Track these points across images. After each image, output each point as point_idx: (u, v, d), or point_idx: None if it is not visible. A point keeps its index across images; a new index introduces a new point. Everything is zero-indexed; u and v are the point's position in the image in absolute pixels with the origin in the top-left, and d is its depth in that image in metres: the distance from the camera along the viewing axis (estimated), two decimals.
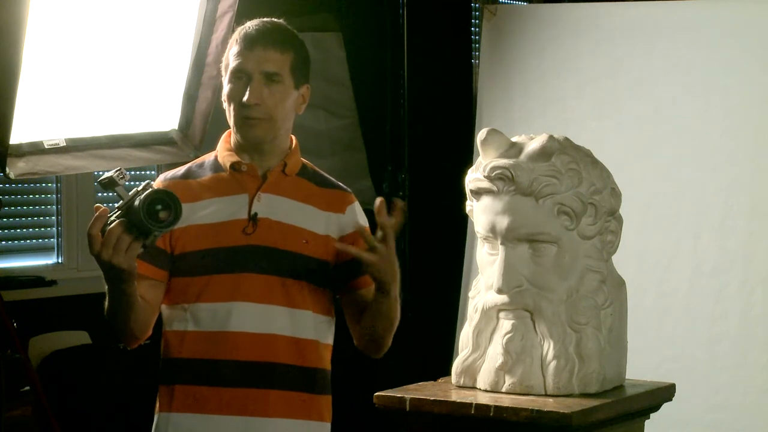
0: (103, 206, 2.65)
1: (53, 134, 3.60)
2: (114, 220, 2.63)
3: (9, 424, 3.57)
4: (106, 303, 2.79)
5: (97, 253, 2.64)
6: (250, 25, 2.92)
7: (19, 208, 4.70)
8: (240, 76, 2.88)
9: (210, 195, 2.90)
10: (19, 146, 3.48)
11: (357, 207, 3.01)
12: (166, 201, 2.64)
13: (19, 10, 3.23)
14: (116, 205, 2.67)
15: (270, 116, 2.88)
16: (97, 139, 3.73)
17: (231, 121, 2.93)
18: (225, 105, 2.93)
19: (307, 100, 2.98)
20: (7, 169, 3.43)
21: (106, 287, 2.75)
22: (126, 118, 3.81)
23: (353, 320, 2.99)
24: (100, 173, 4.80)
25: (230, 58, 2.90)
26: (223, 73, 2.94)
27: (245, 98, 2.86)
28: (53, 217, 4.79)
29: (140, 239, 2.64)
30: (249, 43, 2.88)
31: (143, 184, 2.68)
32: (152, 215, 2.62)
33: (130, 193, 2.66)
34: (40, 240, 4.76)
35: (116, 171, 2.69)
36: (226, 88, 2.91)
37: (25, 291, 4.48)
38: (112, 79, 3.75)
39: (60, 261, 4.78)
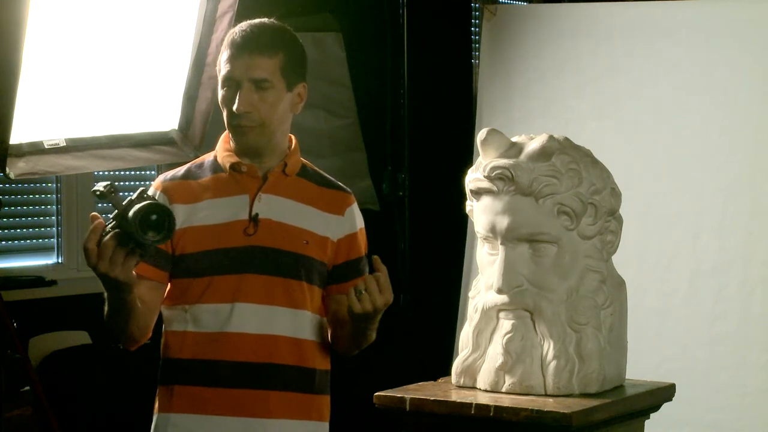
0: (100, 217, 2.64)
1: (53, 134, 3.60)
2: (108, 232, 2.62)
3: (9, 424, 3.58)
4: (106, 308, 2.79)
5: (94, 265, 2.63)
6: (238, 29, 2.91)
7: (19, 208, 4.70)
8: (230, 84, 2.88)
9: (210, 196, 2.90)
10: (19, 146, 3.48)
11: (355, 209, 3.01)
12: (160, 214, 2.62)
13: (19, 10, 3.23)
14: (110, 216, 2.66)
15: (261, 122, 2.88)
16: (97, 139, 3.73)
17: (227, 127, 2.93)
18: (222, 111, 2.94)
19: (304, 99, 2.97)
20: (7, 169, 3.43)
21: (105, 294, 2.75)
22: (126, 118, 3.82)
23: (332, 319, 2.98)
24: (100, 173, 4.83)
25: (221, 63, 2.90)
26: (218, 76, 2.94)
27: (234, 107, 2.86)
28: (53, 217, 4.79)
29: (136, 251, 2.63)
30: (236, 49, 2.87)
31: (137, 192, 2.67)
32: (145, 230, 2.61)
33: (124, 203, 2.65)
34: (40, 240, 4.76)
35: (106, 184, 2.66)
36: (219, 93, 2.91)
37: (25, 291, 4.48)
38: (112, 79, 3.75)
39: (60, 261, 4.78)
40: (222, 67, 2.89)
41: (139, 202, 2.62)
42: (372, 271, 2.87)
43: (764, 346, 4.52)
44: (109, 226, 2.63)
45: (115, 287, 2.68)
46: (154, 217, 2.62)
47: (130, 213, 2.60)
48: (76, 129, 3.67)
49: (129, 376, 4.36)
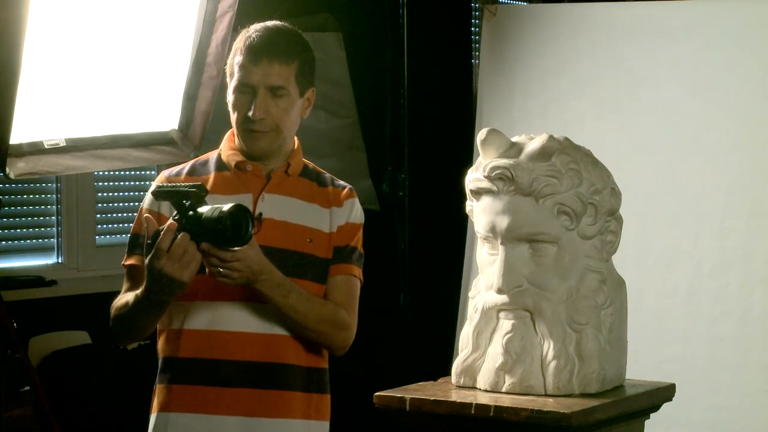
0: (171, 219, 2.70)
1: (53, 134, 3.60)
2: (179, 234, 2.66)
3: (9, 424, 3.57)
4: (129, 309, 2.79)
5: (160, 267, 2.65)
6: (255, 33, 2.90)
7: (19, 208, 4.70)
8: (245, 90, 2.87)
9: (214, 193, 2.90)
10: (19, 146, 3.48)
11: (355, 203, 3.02)
12: (247, 217, 2.67)
13: (19, 10, 3.23)
14: (173, 217, 2.69)
15: (275, 128, 2.89)
16: (97, 139, 3.73)
17: (236, 130, 2.93)
18: (230, 112, 2.93)
19: (312, 103, 2.99)
20: (7, 169, 3.43)
21: (141, 295, 2.75)
22: (126, 118, 3.81)
23: None
24: (100, 173, 4.83)
25: (234, 67, 2.89)
26: (227, 78, 2.93)
27: (251, 113, 2.86)
28: (53, 217, 4.78)
29: (200, 255, 2.68)
30: (253, 55, 2.86)
31: (191, 194, 2.69)
32: (238, 226, 2.65)
33: (187, 205, 2.68)
34: (40, 240, 4.76)
35: (200, 185, 2.72)
36: (230, 97, 2.91)
37: (25, 291, 4.47)
38: (112, 79, 3.75)
39: (60, 261, 4.78)
40: (236, 71, 2.88)
41: (222, 207, 2.65)
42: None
43: (764, 346, 4.52)
44: (180, 227, 2.67)
45: (170, 289, 2.70)
46: (241, 213, 2.66)
47: (215, 213, 2.64)
48: (76, 129, 3.67)
49: (129, 376, 4.36)
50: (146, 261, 2.69)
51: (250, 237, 2.69)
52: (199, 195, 2.70)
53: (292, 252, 2.89)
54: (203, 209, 2.68)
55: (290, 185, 2.95)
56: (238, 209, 2.65)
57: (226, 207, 2.65)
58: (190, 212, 2.68)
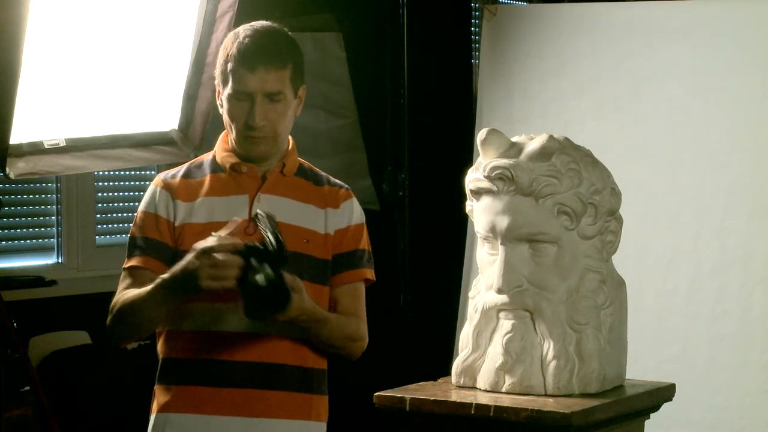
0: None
1: (53, 134, 3.60)
2: (236, 253, 2.70)
3: (9, 424, 3.57)
4: (135, 302, 2.79)
5: (199, 252, 2.69)
6: (245, 36, 2.87)
7: (19, 208, 4.70)
8: (242, 98, 2.86)
9: (210, 195, 2.90)
10: (19, 146, 3.48)
11: (353, 204, 3.00)
12: (278, 297, 2.73)
13: (19, 10, 3.23)
14: (255, 243, 2.73)
15: (274, 132, 2.89)
16: (97, 139, 3.73)
17: (233, 135, 2.91)
18: (225, 117, 2.91)
19: (303, 99, 2.98)
20: (7, 169, 3.43)
21: (157, 290, 2.76)
22: (126, 118, 3.82)
23: None
24: (101, 173, 4.82)
25: (229, 73, 2.86)
26: (217, 80, 2.91)
27: (252, 121, 2.85)
28: (53, 217, 4.78)
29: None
30: (249, 63, 2.84)
31: (271, 255, 2.73)
32: (282, 293, 2.72)
33: (266, 255, 2.72)
34: (40, 240, 4.76)
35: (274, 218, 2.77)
36: (225, 103, 2.89)
37: (25, 291, 4.47)
38: (111, 79, 3.75)
39: (60, 261, 4.78)
40: (230, 78, 2.85)
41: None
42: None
43: (765, 346, 4.52)
44: (243, 252, 2.70)
45: (183, 284, 2.72)
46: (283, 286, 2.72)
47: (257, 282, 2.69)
48: (76, 129, 3.67)
49: (129, 376, 4.36)
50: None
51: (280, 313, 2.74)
52: (280, 258, 2.73)
53: (289, 253, 2.88)
54: (261, 275, 2.70)
55: (286, 185, 2.95)
56: (273, 289, 2.70)
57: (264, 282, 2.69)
58: (256, 264, 2.71)
